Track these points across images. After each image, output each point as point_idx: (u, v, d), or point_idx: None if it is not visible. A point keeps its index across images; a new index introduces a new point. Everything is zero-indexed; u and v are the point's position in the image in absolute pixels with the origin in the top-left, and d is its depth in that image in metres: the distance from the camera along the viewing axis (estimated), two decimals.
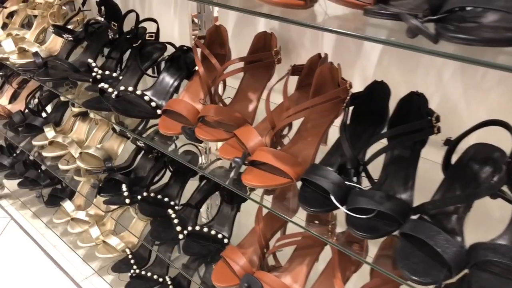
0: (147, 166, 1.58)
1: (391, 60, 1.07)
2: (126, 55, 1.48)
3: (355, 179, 0.88)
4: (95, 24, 1.52)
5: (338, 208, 0.83)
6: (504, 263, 0.67)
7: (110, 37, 1.45)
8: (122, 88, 1.17)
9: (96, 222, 1.88)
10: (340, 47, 1.15)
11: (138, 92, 1.16)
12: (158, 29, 1.41)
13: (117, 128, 1.66)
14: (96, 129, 1.77)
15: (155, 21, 1.42)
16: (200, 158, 1.28)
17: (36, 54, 1.49)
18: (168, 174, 1.55)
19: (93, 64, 1.38)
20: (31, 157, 2.16)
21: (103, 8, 1.60)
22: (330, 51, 1.17)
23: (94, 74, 1.34)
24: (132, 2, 1.70)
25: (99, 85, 1.23)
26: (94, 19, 1.48)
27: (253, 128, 1.04)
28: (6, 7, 1.86)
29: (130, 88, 1.16)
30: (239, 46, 1.36)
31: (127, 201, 1.39)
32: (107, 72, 1.34)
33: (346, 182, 0.85)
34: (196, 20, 1.40)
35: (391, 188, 0.86)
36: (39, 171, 2.22)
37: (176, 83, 1.25)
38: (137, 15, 1.48)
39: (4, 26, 1.88)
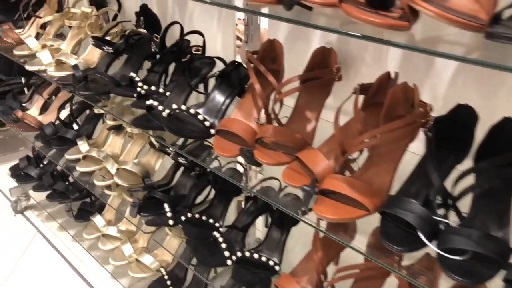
0: (188, 184, 1.51)
1: (467, 80, 0.99)
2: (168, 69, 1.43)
3: (440, 212, 0.80)
4: (135, 35, 1.46)
5: (426, 246, 0.76)
6: None
7: (153, 49, 1.39)
8: (174, 106, 1.10)
9: (128, 238, 1.82)
10: (407, 64, 1.08)
11: (192, 111, 1.09)
12: (204, 42, 1.35)
13: (156, 143, 1.60)
14: (132, 143, 1.71)
15: (201, 34, 1.36)
16: (244, 176, 1.22)
17: (75, 67, 1.43)
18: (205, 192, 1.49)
19: (137, 79, 1.32)
20: (58, 168, 2.12)
21: (141, 19, 1.56)
22: (395, 68, 1.10)
23: (138, 89, 1.28)
24: (171, 13, 1.64)
25: (148, 102, 1.17)
26: (135, 31, 1.42)
27: (318, 151, 0.97)
28: (40, 17, 1.81)
29: (184, 107, 1.10)
30: (290, 61, 1.29)
31: (171, 222, 1.33)
32: (153, 88, 1.27)
33: (434, 217, 0.77)
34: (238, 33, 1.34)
35: (483, 225, 0.78)
36: (67, 183, 2.17)
37: (228, 101, 1.18)
38: (182, 28, 1.41)
39: (37, 36, 1.83)
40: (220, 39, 1.50)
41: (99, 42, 1.44)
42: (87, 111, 1.98)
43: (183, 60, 1.24)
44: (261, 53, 1.19)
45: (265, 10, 1.05)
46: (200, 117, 1.09)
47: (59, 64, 1.55)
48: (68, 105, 1.99)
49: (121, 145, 1.76)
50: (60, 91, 2.01)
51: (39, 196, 2.32)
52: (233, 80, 1.21)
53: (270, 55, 1.21)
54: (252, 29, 1.36)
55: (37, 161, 2.30)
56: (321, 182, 0.90)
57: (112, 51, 1.44)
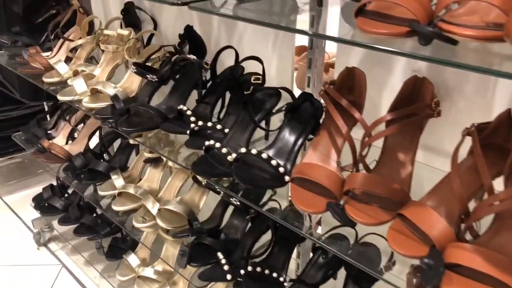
0: (240, 226, 1.34)
1: None
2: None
3: None
4: (182, 61, 1.30)
5: None
6: None
7: (204, 78, 1.23)
8: (242, 149, 0.94)
9: (167, 280, 1.65)
10: None
11: (264, 155, 0.92)
12: (264, 71, 1.18)
13: (202, 179, 1.43)
14: (173, 177, 1.54)
15: (259, 60, 1.19)
16: (305, 221, 1.05)
17: (116, 98, 1.28)
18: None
19: (188, 112, 1.16)
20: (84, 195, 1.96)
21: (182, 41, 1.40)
22: (505, 103, 0.92)
23: (192, 125, 1.12)
24: (216, 34, 1.48)
25: (207, 143, 1.00)
26: (184, 57, 1.26)
27: (430, 208, 0.80)
28: (71, 40, 1.66)
29: (254, 150, 0.93)
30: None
31: (229, 277, 1.15)
32: (209, 124, 1.11)
33: None
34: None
35: None
36: (95, 215, 2.01)
37: (301, 140, 1.01)
38: (237, 53, 1.25)
39: (67, 60, 1.68)
40: (275, 63, 1.34)
41: (142, 69, 1.29)
42: (119, 139, 1.82)
43: (245, 92, 1.07)
44: (338, 83, 1.03)
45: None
46: (273, 162, 0.92)
47: (95, 93, 1.39)
48: (97, 133, 1.85)
49: (159, 179, 1.60)
50: (88, 118, 1.86)
51: (63, 227, 2.16)
52: (305, 115, 1.04)
53: (347, 85, 1.04)
54: (317, 52, 1.20)
55: (61, 190, 2.14)
56: (443, 251, 0.73)
57: (156, 79, 1.28)
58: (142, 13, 1.74)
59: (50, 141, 1.84)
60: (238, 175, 0.93)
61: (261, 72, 1.20)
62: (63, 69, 1.54)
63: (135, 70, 1.28)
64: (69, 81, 1.49)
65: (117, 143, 1.86)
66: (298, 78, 1.37)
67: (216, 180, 1.13)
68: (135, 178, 1.66)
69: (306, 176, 0.90)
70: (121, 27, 1.67)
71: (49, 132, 2.00)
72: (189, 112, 1.16)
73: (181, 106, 1.20)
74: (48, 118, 2.13)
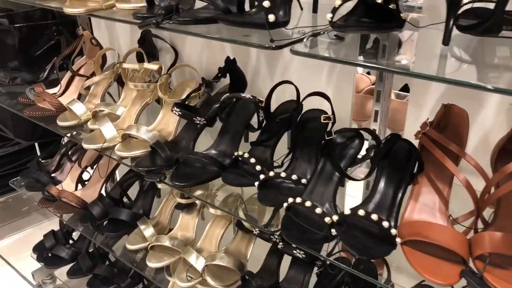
0: (303, 279, 1.20)
1: None
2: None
3: None
4: (231, 99, 1.15)
5: None
6: None
7: (261, 117, 1.09)
8: (347, 211, 0.80)
9: None
10: None
11: (375, 217, 0.79)
12: (333, 109, 1.05)
13: (250, 226, 1.28)
14: (212, 224, 1.38)
15: (327, 98, 1.06)
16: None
17: (159, 145, 1.11)
18: None
19: (252, 160, 1.01)
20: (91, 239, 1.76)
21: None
22: None
23: (262, 175, 0.97)
24: (255, 64, 1.34)
25: (291, 200, 0.86)
26: (237, 95, 1.11)
27: None
28: (86, 76, 1.48)
29: (361, 212, 0.79)
30: None
31: None
32: (282, 174, 0.96)
33: None
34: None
35: None
36: (108, 263, 1.81)
37: (401, 192, 0.88)
38: (297, 90, 1.12)
39: (78, 98, 1.50)
40: (330, 95, 1.21)
41: (187, 111, 1.13)
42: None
43: (327, 138, 0.94)
44: (435, 122, 0.91)
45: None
46: (385, 224, 0.79)
47: (126, 139, 1.22)
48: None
49: (195, 227, 1.43)
50: (101, 158, 1.67)
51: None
52: (398, 160, 0.91)
53: (442, 125, 0.93)
54: (386, 84, 1.09)
55: (65, 236, 1.93)
56: None
57: (204, 122, 1.13)
58: (158, 41, 1.58)
59: (59, 187, 1.64)
60: (348, 242, 0.79)
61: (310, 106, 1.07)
62: (80, 110, 1.36)
63: (180, 113, 1.13)
64: (90, 124, 1.31)
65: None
66: (354, 111, 1.24)
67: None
68: (165, 227, 1.48)
69: (427, 239, 0.78)
70: (137, 59, 1.50)
71: (53, 175, 1.80)
72: (252, 160, 1.01)
73: (239, 152, 1.05)
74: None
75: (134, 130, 1.19)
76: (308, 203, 0.85)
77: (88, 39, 1.48)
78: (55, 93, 1.51)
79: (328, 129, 1.05)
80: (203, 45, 1.46)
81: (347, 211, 0.81)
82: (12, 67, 1.60)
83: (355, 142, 0.97)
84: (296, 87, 1.12)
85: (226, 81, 1.30)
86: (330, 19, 0.76)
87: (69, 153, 1.78)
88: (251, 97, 1.08)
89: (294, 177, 0.96)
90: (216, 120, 1.16)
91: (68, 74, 1.56)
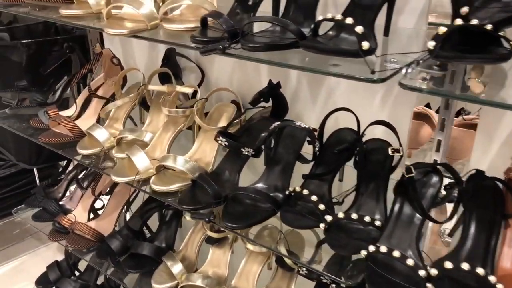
0: None
1: None
2: None
3: None
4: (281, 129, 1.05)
5: None
6: None
7: (317, 148, 0.99)
8: (449, 265, 0.70)
9: None
10: None
11: (481, 272, 0.69)
12: (400, 142, 0.96)
13: (293, 263, 1.17)
14: (247, 261, 1.27)
15: (392, 129, 0.97)
16: None
17: (204, 179, 0.99)
18: None
19: (314, 198, 0.91)
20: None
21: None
22: None
23: (328, 217, 0.86)
24: (295, 86, 1.24)
25: (372, 248, 0.76)
26: (288, 124, 1.01)
27: None
28: (110, 99, 1.35)
29: (465, 265, 0.69)
30: None
31: None
32: (353, 215, 0.86)
33: None
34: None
35: None
36: None
37: (494, 238, 0.79)
38: (357, 119, 1.02)
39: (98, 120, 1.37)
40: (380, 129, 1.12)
41: (231, 140, 1.02)
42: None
43: (406, 175, 0.84)
44: None
45: None
46: (492, 279, 0.70)
47: (162, 170, 1.10)
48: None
49: (227, 263, 1.31)
50: (116, 186, 1.54)
51: None
52: (485, 200, 0.82)
53: None
54: (452, 112, 1.00)
55: (71, 267, 1.78)
56: None
57: (253, 153, 1.02)
58: (181, 60, 1.47)
59: (70, 217, 1.50)
60: None
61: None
62: (102, 136, 1.23)
63: (226, 143, 1.02)
64: (116, 153, 1.19)
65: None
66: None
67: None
68: (193, 262, 1.36)
69: None
70: (160, 79, 1.39)
71: (61, 203, 1.66)
72: (314, 198, 0.91)
73: (296, 188, 0.95)
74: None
75: (170, 161, 1.08)
76: (396, 253, 0.75)
77: (109, 58, 1.36)
78: (70, 116, 1.38)
79: (394, 163, 0.97)
80: (234, 66, 1.36)
81: (448, 264, 0.71)
82: (21, 87, 1.46)
83: (433, 179, 0.88)
84: (355, 115, 1.03)
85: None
86: (432, 47, 0.66)
87: (79, 178, 1.65)
88: (306, 126, 0.99)
89: (367, 219, 0.86)
90: (261, 150, 1.05)
91: (83, 95, 1.44)
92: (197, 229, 1.40)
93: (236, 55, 0.76)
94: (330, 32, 0.77)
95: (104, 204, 1.61)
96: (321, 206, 0.90)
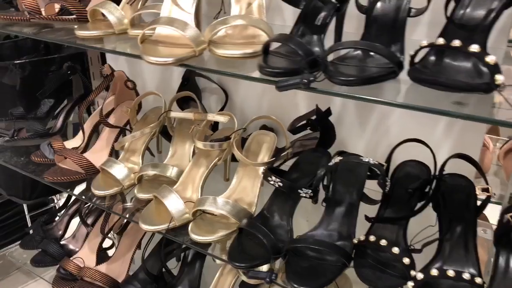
0: None
1: None
2: None
3: None
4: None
5: None
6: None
7: (387, 188, 0.85)
8: None
9: None
10: None
11: None
12: (486, 180, 0.83)
13: None
14: None
15: (475, 164, 0.84)
16: None
17: (259, 229, 0.84)
18: None
19: (395, 250, 0.77)
20: None
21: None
22: None
23: (417, 274, 0.73)
24: (339, 111, 1.10)
25: None
26: (354, 159, 0.87)
27: None
28: (123, 128, 1.18)
29: None
30: None
31: None
32: (451, 273, 0.72)
33: None
34: None
35: None
36: None
37: None
38: (432, 152, 0.89)
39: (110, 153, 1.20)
40: (447, 151, 0.99)
41: (283, 179, 0.87)
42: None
43: None
44: None
45: None
46: None
47: (200, 215, 0.94)
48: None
49: None
50: (128, 224, 1.36)
51: None
52: None
53: None
54: None
55: None
56: None
57: (311, 194, 0.87)
58: (201, 80, 1.32)
59: (78, 262, 1.32)
60: None
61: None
62: (121, 173, 1.06)
63: (281, 184, 0.87)
64: (139, 193, 1.02)
65: None
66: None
67: None
68: None
69: None
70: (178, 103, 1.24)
71: (62, 242, 1.47)
72: (396, 250, 0.77)
73: (370, 237, 0.81)
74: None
75: (211, 205, 0.92)
76: None
77: (122, 81, 1.19)
78: (77, 148, 1.20)
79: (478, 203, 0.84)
80: (265, 86, 1.21)
81: None
82: (17, 115, 1.27)
83: None
84: (430, 148, 0.89)
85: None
86: None
87: (82, 215, 1.46)
88: (376, 163, 0.85)
89: (466, 276, 0.72)
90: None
91: (90, 122, 1.26)
92: (225, 272, 1.24)
93: (323, 90, 0.62)
94: (432, 58, 0.63)
95: (114, 243, 1.44)
96: (406, 260, 0.76)
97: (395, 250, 0.78)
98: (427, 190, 0.89)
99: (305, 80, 0.60)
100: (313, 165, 0.97)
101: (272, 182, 0.88)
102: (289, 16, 1.09)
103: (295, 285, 0.77)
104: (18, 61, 1.35)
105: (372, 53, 0.65)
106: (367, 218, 0.89)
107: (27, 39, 1.66)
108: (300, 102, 1.17)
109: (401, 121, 1.04)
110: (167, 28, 0.77)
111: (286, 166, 1.02)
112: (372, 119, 1.08)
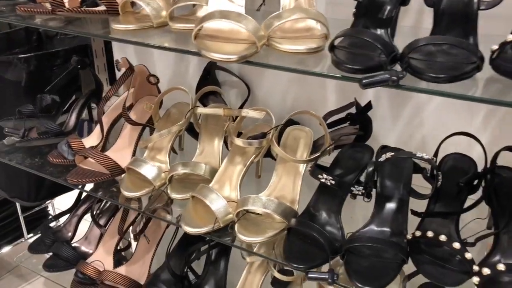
0: None
1: None
2: None
3: None
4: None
5: None
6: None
7: (439, 182, 0.84)
8: None
9: None
10: None
11: None
12: None
13: None
14: None
15: None
16: None
17: (313, 228, 0.82)
18: None
19: (456, 245, 0.76)
20: None
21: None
22: None
23: (485, 270, 0.73)
24: (382, 115, 1.08)
25: None
26: (406, 155, 0.85)
27: None
28: (140, 125, 1.13)
29: None
30: None
31: None
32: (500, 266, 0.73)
33: None
34: None
35: None
36: None
37: None
38: (483, 147, 0.88)
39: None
40: (486, 145, 0.99)
41: (335, 177, 0.85)
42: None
43: None
44: None
45: None
46: None
47: (244, 215, 0.91)
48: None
49: None
50: (149, 221, 1.31)
51: None
52: None
53: None
54: None
55: None
56: None
57: (363, 191, 0.86)
58: (220, 73, 1.27)
59: (97, 266, 1.26)
60: None
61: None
62: (151, 173, 1.02)
63: (333, 182, 0.85)
64: (173, 193, 0.98)
65: None
66: None
67: None
68: None
69: None
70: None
71: (74, 244, 1.41)
72: (457, 245, 0.77)
73: (428, 233, 0.80)
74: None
75: (255, 204, 0.89)
76: None
77: (143, 76, 1.13)
78: (96, 147, 1.14)
79: None
80: (291, 79, 1.18)
81: None
82: (27, 113, 1.19)
83: None
84: (481, 143, 0.89)
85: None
86: None
87: (94, 214, 1.40)
88: (430, 157, 0.84)
89: None
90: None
91: (107, 119, 1.20)
92: (253, 270, 1.22)
93: (411, 87, 0.60)
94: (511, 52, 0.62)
95: (130, 244, 1.39)
96: (468, 255, 0.76)
97: (456, 245, 0.77)
98: (475, 183, 0.89)
99: (394, 78, 0.57)
100: (355, 161, 0.95)
101: (323, 180, 0.86)
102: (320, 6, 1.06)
103: (360, 285, 0.76)
104: (23, 55, 1.26)
105: (451, 49, 0.64)
106: (415, 212, 0.88)
107: (20, 31, 1.57)
108: (329, 96, 1.15)
109: (437, 113, 1.04)
110: (225, 22, 0.72)
111: None
112: (405, 111, 1.07)
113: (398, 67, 0.64)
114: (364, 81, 0.59)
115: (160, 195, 1.03)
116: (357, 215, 0.98)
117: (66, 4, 0.93)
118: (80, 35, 1.04)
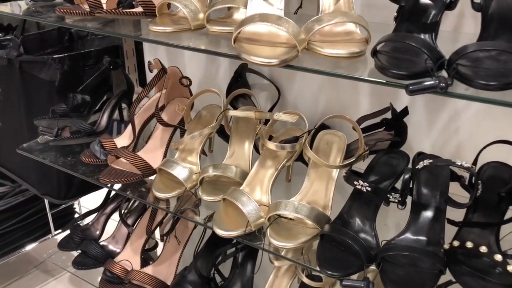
0: None
1: None
2: None
3: None
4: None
5: None
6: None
7: (479, 192, 0.82)
8: None
9: None
10: None
11: None
12: None
13: None
14: None
15: None
16: None
17: (349, 236, 0.81)
18: None
19: (498, 257, 0.74)
20: None
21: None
22: None
23: None
24: (417, 120, 1.06)
25: None
26: (446, 162, 0.83)
27: None
28: (171, 126, 1.13)
29: None
30: None
31: None
32: None
33: None
34: None
35: None
36: None
37: None
38: None
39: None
40: None
41: (371, 184, 0.84)
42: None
43: None
44: None
45: None
46: None
47: (275, 219, 0.90)
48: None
49: None
50: (177, 221, 1.31)
51: None
52: None
53: None
54: None
55: None
56: None
57: (400, 199, 0.84)
58: (251, 76, 1.27)
59: (125, 265, 1.27)
60: None
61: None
62: (182, 174, 1.02)
63: (369, 189, 0.83)
64: (204, 195, 0.98)
65: None
66: None
67: None
68: None
69: None
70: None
71: (102, 243, 1.42)
72: (499, 257, 0.74)
73: (467, 244, 0.78)
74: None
75: (288, 209, 0.88)
76: None
77: (176, 78, 1.14)
78: (127, 147, 1.15)
79: None
80: (324, 82, 1.17)
81: None
82: (60, 112, 1.21)
83: None
84: None
85: None
86: None
87: (122, 214, 1.41)
88: (469, 166, 0.82)
89: None
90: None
91: (139, 120, 1.21)
92: (280, 274, 1.21)
93: (462, 95, 0.58)
94: None
95: (157, 244, 1.40)
96: (510, 268, 0.74)
97: (498, 257, 0.75)
98: None
99: (443, 84, 0.56)
100: (391, 167, 0.94)
101: (359, 186, 0.85)
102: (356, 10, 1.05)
103: None
104: (57, 56, 1.28)
105: (500, 55, 0.62)
106: (451, 221, 0.86)
107: (52, 31, 1.60)
108: (362, 100, 1.13)
109: (474, 120, 1.01)
110: (265, 25, 0.72)
111: None
112: (441, 117, 1.05)
113: (443, 73, 0.63)
114: (411, 87, 0.58)
115: (190, 197, 1.02)
116: (390, 222, 0.96)
117: (104, 6, 0.94)
118: (119, 36, 1.04)
